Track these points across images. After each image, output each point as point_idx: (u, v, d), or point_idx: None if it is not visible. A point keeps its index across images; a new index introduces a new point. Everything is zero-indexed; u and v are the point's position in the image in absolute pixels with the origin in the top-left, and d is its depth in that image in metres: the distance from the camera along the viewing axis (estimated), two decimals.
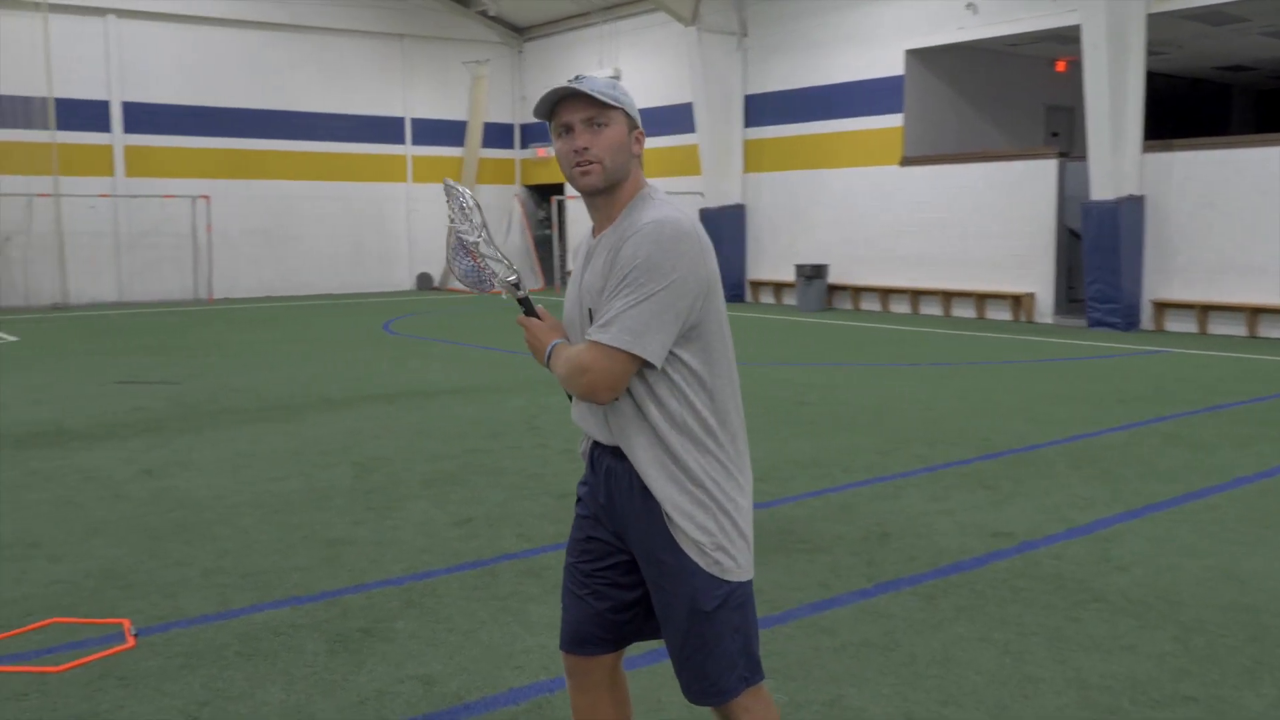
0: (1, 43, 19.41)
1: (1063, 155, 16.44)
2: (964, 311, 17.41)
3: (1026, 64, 19.26)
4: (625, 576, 2.36)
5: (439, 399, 9.33)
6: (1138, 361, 11.97)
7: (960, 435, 7.71)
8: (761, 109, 20.35)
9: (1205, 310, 14.58)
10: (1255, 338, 14.02)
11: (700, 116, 20.21)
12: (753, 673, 2.29)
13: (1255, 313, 14.15)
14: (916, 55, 17.95)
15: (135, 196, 21.02)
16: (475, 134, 25.07)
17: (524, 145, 26.49)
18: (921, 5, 17.49)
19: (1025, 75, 19.36)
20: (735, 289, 20.77)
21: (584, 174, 2.20)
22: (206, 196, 21.57)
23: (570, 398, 2.36)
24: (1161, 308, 14.93)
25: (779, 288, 20.34)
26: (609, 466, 2.30)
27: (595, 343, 2.13)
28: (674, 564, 2.22)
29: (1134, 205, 14.75)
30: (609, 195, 2.25)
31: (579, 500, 2.44)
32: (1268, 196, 13.94)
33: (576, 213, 25.05)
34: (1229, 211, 14.32)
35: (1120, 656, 3.79)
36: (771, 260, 20.49)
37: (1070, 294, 16.69)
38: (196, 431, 7.77)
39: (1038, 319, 16.38)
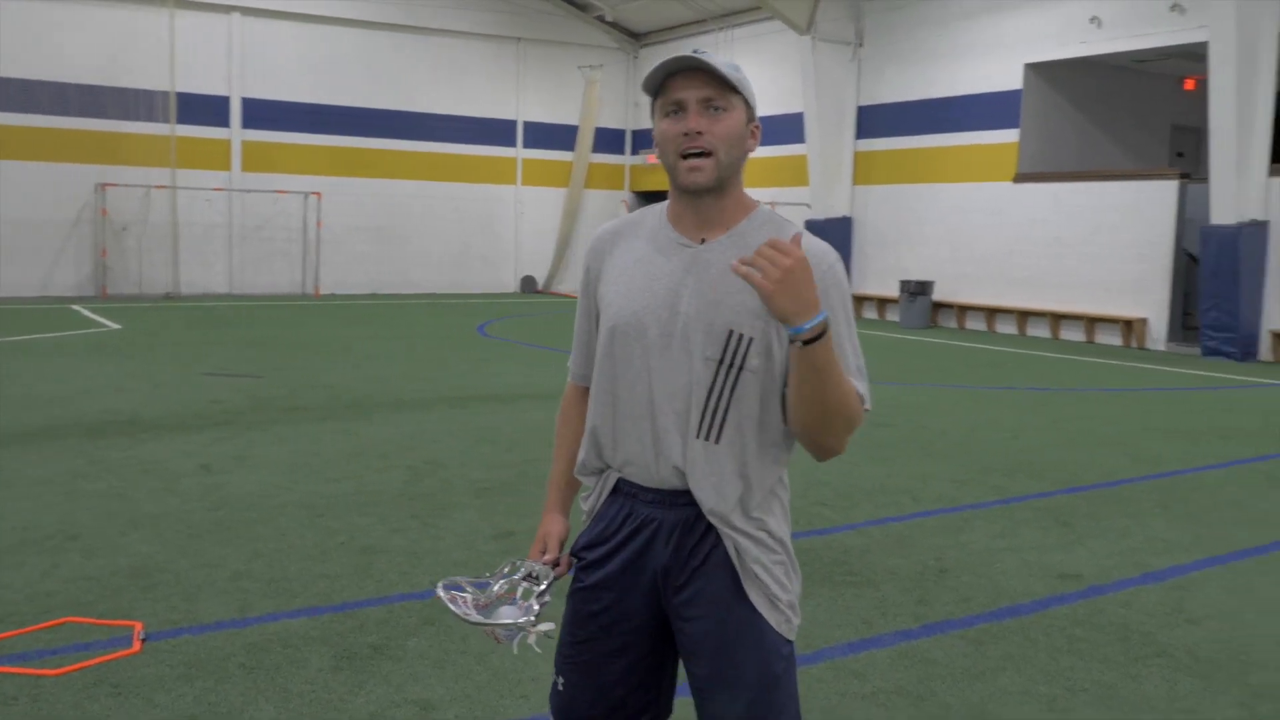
0: (128, 37, 20.18)
1: (1184, 176, 15.61)
2: (1073, 335, 16.69)
3: (1152, 81, 18.40)
4: (649, 649, 2.09)
5: (513, 404, 9.27)
6: (1251, 395, 11.25)
7: (1045, 466, 7.29)
8: (874, 120, 19.91)
9: None
10: None
11: (811, 127, 19.87)
12: None
13: None
14: (1036, 69, 17.30)
15: (250, 191, 21.65)
16: (586, 139, 25.16)
17: (634, 151, 26.47)
18: (1044, 18, 16.85)
19: (1150, 93, 18.51)
20: None
21: (693, 170, 1.90)
22: (319, 193, 22.09)
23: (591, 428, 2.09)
24: None
25: (883, 303, 19.84)
26: (654, 519, 2.00)
27: (859, 393, 1.93)
28: (746, 624, 1.98)
29: (1257, 231, 13.92)
30: (717, 196, 1.96)
31: (582, 567, 2.10)
32: None
33: None
34: None
35: None
36: (877, 275, 20.01)
37: (1185, 321, 15.86)
38: (265, 427, 7.84)
39: (1149, 345, 15.59)
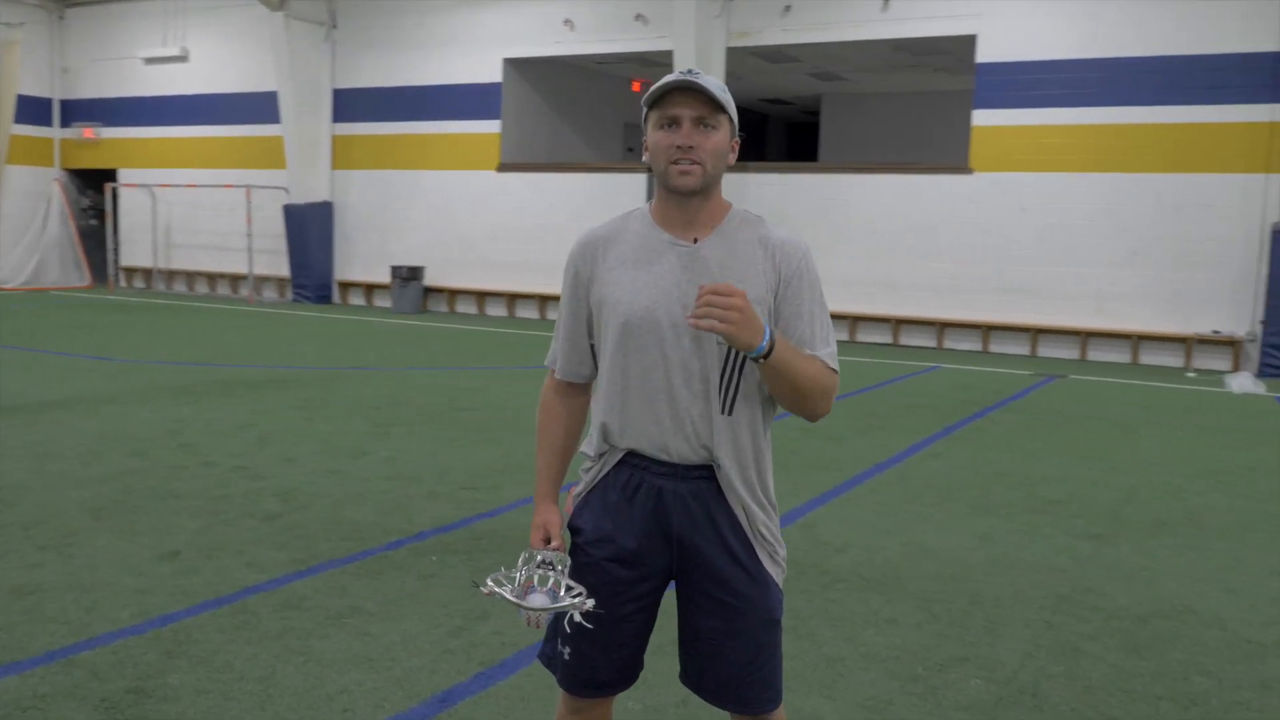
0: None
1: (649, 170, 17.52)
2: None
3: (609, 82, 20.34)
4: (651, 612, 2.31)
5: (45, 414, 8.07)
6: None
7: None
8: (352, 105, 19.71)
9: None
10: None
11: (286, 108, 19.16)
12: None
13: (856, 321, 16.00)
14: (514, 64, 18.29)
15: None
16: (5, 107, 21.82)
17: (65, 124, 23.52)
18: (522, 16, 17.86)
19: (606, 93, 20.44)
20: (323, 290, 19.95)
21: (684, 174, 2.12)
22: None
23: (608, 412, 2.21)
24: None
25: (370, 289, 19.80)
26: (667, 489, 2.19)
27: (827, 365, 2.15)
28: (757, 579, 2.22)
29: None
30: (702, 199, 2.18)
31: (588, 541, 2.25)
32: (826, 216, 15.85)
33: (131, 203, 22.68)
34: (839, 233, 16.07)
35: (890, 629, 4.17)
36: (363, 261, 19.90)
37: None
38: None
39: None
